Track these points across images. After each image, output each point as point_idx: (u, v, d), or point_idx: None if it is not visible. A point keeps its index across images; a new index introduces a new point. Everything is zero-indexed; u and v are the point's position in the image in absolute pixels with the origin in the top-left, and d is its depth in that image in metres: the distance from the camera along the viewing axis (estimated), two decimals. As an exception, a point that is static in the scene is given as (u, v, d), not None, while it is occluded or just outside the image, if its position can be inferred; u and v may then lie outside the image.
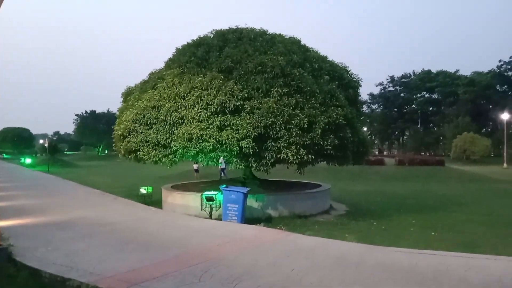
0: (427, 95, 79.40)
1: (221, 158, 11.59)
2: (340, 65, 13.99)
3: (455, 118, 63.25)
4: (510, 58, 70.82)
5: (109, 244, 7.33)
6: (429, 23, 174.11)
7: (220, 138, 10.89)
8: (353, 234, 9.45)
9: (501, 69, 72.22)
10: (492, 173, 34.69)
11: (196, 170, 25.45)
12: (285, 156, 10.89)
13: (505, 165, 46.41)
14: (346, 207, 15.24)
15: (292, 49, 12.77)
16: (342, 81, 13.32)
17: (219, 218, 10.89)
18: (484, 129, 67.81)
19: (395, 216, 13.18)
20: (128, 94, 14.84)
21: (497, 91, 70.98)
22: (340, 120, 11.33)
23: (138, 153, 12.46)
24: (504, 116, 51.35)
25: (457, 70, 77.92)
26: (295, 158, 10.80)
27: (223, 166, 12.04)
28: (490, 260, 6.19)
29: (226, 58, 12.17)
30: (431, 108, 78.95)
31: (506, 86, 72.27)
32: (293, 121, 10.90)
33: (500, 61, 72.35)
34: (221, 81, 11.52)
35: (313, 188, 14.45)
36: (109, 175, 33.43)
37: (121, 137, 13.12)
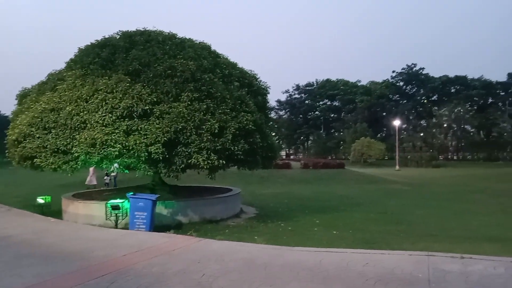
0: (328, 103, 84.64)
1: (115, 164, 11.08)
2: (249, 72, 14.32)
3: (354, 124, 68.26)
4: (402, 69, 78.61)
5: (1, 260, 6.64)
6: (332, 35, 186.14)
7: (127, 144, 10.44)
8: (262, 236, 9.71)
9: (394, 79, 79.82)
10: (386, 175, 38.02)
11: (107, 184, 21.96)
12: (196, 161, 10.82)
13: (397, 167, 51.11)
14: (256, 210, 15.61)
15: (202, 54, 12.77)
16: (251, 88, 13.64)
17: (126, 227, 10.44)
18: (379, 134, 74.06)
19: (301, 217, 13.82)
20: (23, 96, 13.58)
21: (390, 100, 78.20)
22: (250, 126, 11.59)
23: (35, 160, 11.42)
24: (396, 122, 56.66)
25: (358, 80, 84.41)
26: (206, 163, 10.78)
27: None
28: (385, 255, 6.79)
29: (133, 61, 11.74)
30: (332, 115, 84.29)
31: (398, 95, 79.97)
32: (204, 126, 10.89)
33: (393, 71, 80.00)
34: (127, 84, 11.08)
35: (224, 192, 14.56)
36: (1, 184, 30.17)
37: (15, 142, 11.93)
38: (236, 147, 11.20)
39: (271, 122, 17.17)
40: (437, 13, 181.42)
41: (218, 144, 10.89)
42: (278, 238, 9.50)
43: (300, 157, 76.58)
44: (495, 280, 5.43)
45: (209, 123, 10.91)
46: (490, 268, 5.96)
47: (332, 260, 6.41)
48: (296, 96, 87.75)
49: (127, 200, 10.61)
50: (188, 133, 10.79)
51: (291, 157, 76.26)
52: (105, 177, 21.83)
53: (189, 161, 10.89)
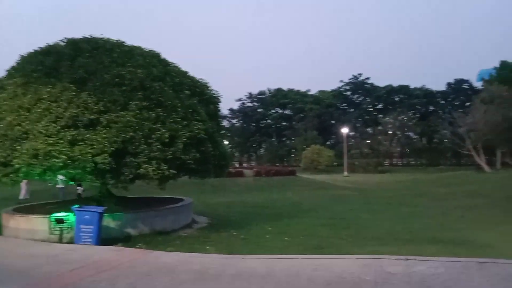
0: (280, 111, 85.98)
1: (60, 177, 10.60)
2: (200, 81, 14.26)
3: (304, 132, 69.73)
4: (349, 79, 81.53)
5: None
6: (283, 44, 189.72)
7: (72, 154, 10.02)
8: (214, 245, 9.65)
9: (342, 89, 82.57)
10: (335, 181, 39.09)
11: (79, 195, 19.99)
12: (145, 171, 10.57)
13: (345, 173, 52.71)
14: (208, 219, 15.46)
15: (152, 63, 12.55)
16: (203, 96, 13.57)
17: (71, 241, 9.99)
18: (328, 142, 76.10)
19: (253, 225, 13.87)
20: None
21: (338, 108, 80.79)
22: (202, 135, 11.52)
23: (-30, 172, 10.68)
24: (344, 130, 58.55)
25: (308, 90, 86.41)
26: (156, 173, 10.56)
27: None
28: (334, 259, 6.99)
29: (79, 69, 11.31)
30: (284, 123, 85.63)
31: (345, 104, 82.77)
32: (154, 136, 10.68)
33: (341, 81, 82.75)
34: (73, 93, 10.66)
35: (175, 202, 14.32)
36: None
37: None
38: (187, 156, 11.07)
39: (223, 131, 17.16)
40: (383, 25, 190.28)
41: (168, 154, 10.72)
42: (231, 247, 9.49)
43: (253, 165, 76.99)
44: (435, 280, 5.75)
45: (159, 132, 10.72)
46: (432, 268, 6.30)
47: (283, 267, 6.50)
48: (249, 104, 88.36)
49: (72, 213, 10.17)
50: (137, 143, 10.54)
51: (244, 165, 76.60)
52: (78, 188, 20.71)
53: (138, 171, 10.62)
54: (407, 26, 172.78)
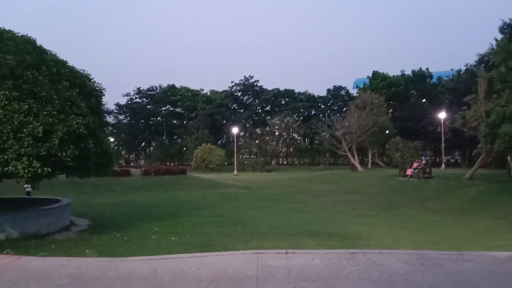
0: (171, 108, 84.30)
1: None
2: (81, 72, 13.25)
3: (196, 131, 69.43)
4: (239, 80, 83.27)
5: None
6: (177, 42, 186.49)
7: None
8: (94, 249, 9.04)
9: (232, 89, 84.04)
10: (225, 179, 39.64)
11: (28, 193, 18.29)
12: (14, 169, 9.47)
13: (235, 172, 53.74)
14: (89, 221, 14.45)
15: (25, 49, 11.27)
16: (84, 88, 12.62)
17: None
18: (219, 141, 76.84)
19: (138, 225, 13.36)
20: None
21: (229, 108, 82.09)
22: (81, 130, 10.68)
23: None
24: (235, 130, 59.66)
25: (201, 89, 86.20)
26: (27, 171, 9.52)
27: None
28: (219, 256, 7.05)
29: None
30: (175, 121, 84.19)
31: (236, 105, 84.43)
32: (25, 130, 9.61)
33: (232, 82, 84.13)
34: None
35: (51, 204, 13.11)
36: None
37: None
38: (64, 153, 10.18)
39: (107, 126, 16.19)
40: (272, 32, 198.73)
41: (42, 150, 9.74)
42: (113, 250, 8.98)
43: (141, 163, 74.27)
44: (312, 270, 6.15)
45: (32, 126, 9.68)
46: (309, 260, 6.73)
47: (167, 267, 6.36)
48: (138, 100, 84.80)
49: None
50: (5, 137, 9.40)
51: (132, 164, 73.45)
52: (26, 185, 17.44)
53: (6, 169, 9.48)
54: (293, 35, 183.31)
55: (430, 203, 20.35)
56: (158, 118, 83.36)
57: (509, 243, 9.13)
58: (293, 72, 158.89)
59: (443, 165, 45.72)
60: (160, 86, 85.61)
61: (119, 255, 7.69)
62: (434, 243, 9.56)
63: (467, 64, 49.87)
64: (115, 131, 79.86)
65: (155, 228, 12.53)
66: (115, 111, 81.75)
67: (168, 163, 72.76)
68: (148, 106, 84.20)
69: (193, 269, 6.14)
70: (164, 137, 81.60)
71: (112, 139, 74.49)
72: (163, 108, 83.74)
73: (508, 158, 33.02)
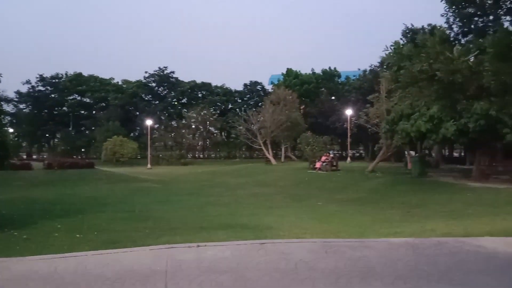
0: (78, 98, 78.91)
1: None
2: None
3: (106, 122, 66.03)
4: (154, 71, 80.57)
5: None
6: (85, 30, 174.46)
7: None
8: (-15, 250, 8.22)
9: (147, 80, 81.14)
10: (138, 173, 38.36)
11: None
12: None
13: (149, 165, 52.24)
14: (-20, 220, 13.09)
15: None
16: (-26, 73, 11.37)
17: None
18: (132, 133, 73.90)
19: (40, 223, 12.39)
20: None
21: (143, 99, 79.23)
22: (-29, 119, 9.64)
23: None
24: (149, 122, 57.84)
25: (112, 78, 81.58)
26: None
27: None
28: (126, 253, 6.84)
29: None
30: (83, 112, 79.00)
31: (150, 96, 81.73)
32: None
33: (146, 72, 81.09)
34: None
35: None
36: None
37: None
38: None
39: (5, 116, 14.76)
40: (187, 23, 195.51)
41: None
42: (9, 249, 8.22)
43: (45, 156, 68.80)
44: (222, 262, 6.24)
45: None
46: (220, 252, 6.81)
47: (69, 265, 6.01)
48: (41, 88, 77.98)
49: None
50: None
51: (34, 156, 67.74)
52: None
53: None
54: (211, 27, 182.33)
55: (336, 194, 21.68)
56: (64, 108, 77.66)
57: (403, 230, 10.05)
58: (210, 65, 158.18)
59: (348, 159, 48.98)
60: (66, 74, 79.69)
61: (16, 255, 7.09)
62: (338, 232, 10.21)
63: (371, 65, 54.00)
64: (14, 121, 72.95)
65: (58, 226, 11.72)
66: (16, 99, 74.54)
67: (75, 156, 68.31)
68: (53, 95, 77.92)
69: (98, 267, 5.88)
70: (70, 129, 76.35)
71: (11, 130, 68.08)
72: (70, 98, 78.00)
73: (405, 152, 36.41)
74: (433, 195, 18.91)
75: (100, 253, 6.86)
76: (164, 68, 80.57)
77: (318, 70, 71.38)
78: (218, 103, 79.39)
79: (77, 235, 10.14)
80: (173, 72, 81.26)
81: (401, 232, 9.74)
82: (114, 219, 13.29)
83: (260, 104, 66.97)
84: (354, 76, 64.21)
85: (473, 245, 7.57)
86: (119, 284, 5.14)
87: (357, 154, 68.26)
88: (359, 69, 61.80)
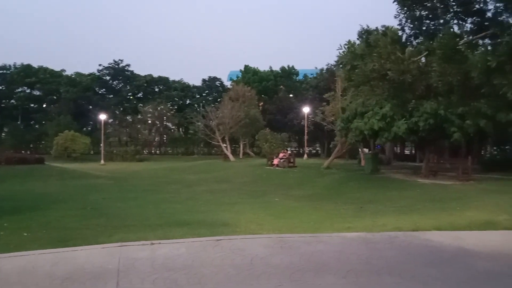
0: (28, 91, 75.06)
1: None
2: None
3: (57, 116, 63.37)
4: (109, 64, 78.02)
5: None
6: (39, 20, 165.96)
7: None
8: None
9: (101, 73, 78.42)
10: (91, 169, 37.15)
11: None
12: None
13: (102, 161, 50.68)
14: None
15: None
16: None
17: None
18: (85, 128, 71.28)
19: (-17, 222, 11.75)
20: None
21: (97, 93, 76.52)
22: None
23: None
24: (102, 116, 56.06)
25: (63, 70, 78.05)
26: None
27: None
28: (77, 251, 6.62)
29: None
30: (32, 105, 75.24)
31: (104, 89, 79.08)
32: None
33: (100, 65, 78.35)
34: None
35: None
36: None
37: None
38: None
39: None
40: (144, 17, 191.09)
41: None
42: None
43: (-11, 151, 64.97)
44: (176, 260, 6.19)
45: None
46: (174, 250, 6.76)
47: (16, 265, 5.76)
48: (-14, 80, 73.51)
49: None
50: None
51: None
52: None
53: None
54: (168, 22, 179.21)
55: (292, 191, 22.02)
56: (12, 101, 73.63)
57: (356, 225, 10.40)
58: (167, 60, 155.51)
59: (305, 156, 49.79)
60: (14, 65, 75.56)
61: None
62: (293, 227, 10.40)
63: (328, 64, 55.11)
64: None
65: (5, 224, 11.14)
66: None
67: (23, 151, 65.03)
68: (0, 88, 73.70)
69: (47, 266, 5.67)
70: (19, 122, 72.56)
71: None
72: (19, 90, 74.04)
73: (359, 149, 37.55)
74: (384, 191, 19.65)
75: (49, 251, 6.61)
76: (119, 61, 78.17)
77: (277, 68, 72.05)
78: (175, 98, 78.07)
79: (25, 234, 9.71)
80: (128, 65, 79.02)
81: (354, 227, 10.06)
82: (65, 216, 12.81)
83: (219, 100, 66.68)
84: (312, 74, 65.31)
85: (422, 239, 7.96)
86: (69, 283, 4.98)
87: (314, 151, 69.55)
88: (316, 68, 62.90)
